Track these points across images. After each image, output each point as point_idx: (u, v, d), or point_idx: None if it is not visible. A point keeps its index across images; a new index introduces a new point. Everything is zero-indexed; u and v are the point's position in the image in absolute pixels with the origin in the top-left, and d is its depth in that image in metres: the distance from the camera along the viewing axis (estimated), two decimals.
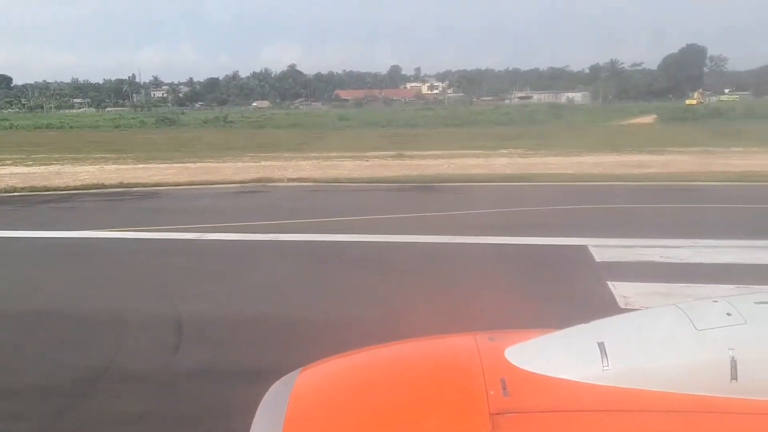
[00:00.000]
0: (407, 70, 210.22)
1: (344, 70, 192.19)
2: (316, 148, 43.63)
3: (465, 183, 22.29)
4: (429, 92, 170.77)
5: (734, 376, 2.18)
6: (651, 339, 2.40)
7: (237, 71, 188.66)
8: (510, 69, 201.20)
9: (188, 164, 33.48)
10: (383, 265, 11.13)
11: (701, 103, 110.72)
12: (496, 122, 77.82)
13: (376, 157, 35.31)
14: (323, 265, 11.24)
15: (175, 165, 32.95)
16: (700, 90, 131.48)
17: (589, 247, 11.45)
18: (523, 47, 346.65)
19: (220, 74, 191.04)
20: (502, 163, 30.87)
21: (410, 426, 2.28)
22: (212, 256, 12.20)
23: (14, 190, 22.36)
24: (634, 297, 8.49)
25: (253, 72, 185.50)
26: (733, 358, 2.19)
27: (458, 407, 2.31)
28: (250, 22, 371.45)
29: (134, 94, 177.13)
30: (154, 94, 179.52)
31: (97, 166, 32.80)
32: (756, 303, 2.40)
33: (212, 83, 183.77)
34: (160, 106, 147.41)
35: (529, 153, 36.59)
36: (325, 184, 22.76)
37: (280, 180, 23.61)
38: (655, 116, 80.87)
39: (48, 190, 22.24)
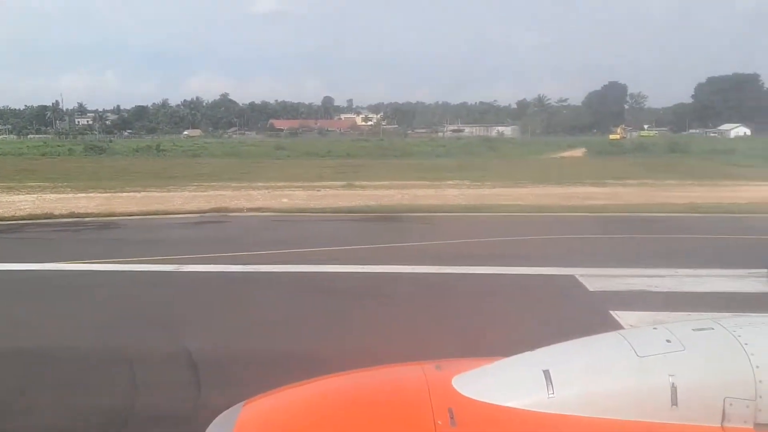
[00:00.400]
0: (339, 101, 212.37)
1: (276, 100, 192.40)
2: (260, 177, 43.30)
3: (427, 213, 22.49)
4: (364, 123, 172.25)
5: (674, 402, 2.23)
6: (594, 366, 2.43)
7: (166, 99, 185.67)
8: (440, 102, 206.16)
9: (132, 193, 32.57)
10: (389, 296, 11.05)
11: (624, 138, 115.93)
12: (434, 154, 79.36)
13: (326, 187, 35.29)
14: (327, 298, 11.04)
15: (120, 194, 31.97)
16: (623, 126, 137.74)
17: (577, 277, 11.73)
18: (452, 82, 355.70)
19: (148, 102, 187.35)
20: (453, 194, 31.35)
21: None
22: (201, 288, 11.82)
23: None
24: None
25: (184, 100, 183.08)
26: (673, 384, 2.24)
27: None
28: (177, 51, 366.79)
29: (58, 121, 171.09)
30: (78, 122, 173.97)
31: (34, 195, 31.46)
32: (693, 330, 2.45)
33: (140, 111, 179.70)
34: (87, 133, 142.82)
35: (476, 184, 37.27)
36: (287, 214, 22.52)
37: (239, 210, 23.21)
38: (584, 150, 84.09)
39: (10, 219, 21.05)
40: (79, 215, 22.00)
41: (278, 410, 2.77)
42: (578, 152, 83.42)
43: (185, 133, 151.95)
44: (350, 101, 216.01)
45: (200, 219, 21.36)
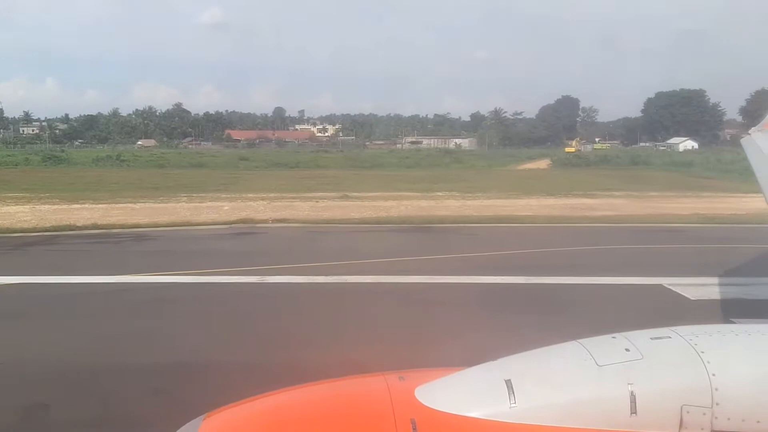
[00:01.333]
0: (291, 112, 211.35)
1: (227, 110, 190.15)
2: (245, 188, 42.95)
3: (451, 224, 22.76)
4: (321, 134, 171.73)
5: (634, 410, 2.29)
6: (555, 375, 2.46)
7: (117, 108, 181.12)
8: (392, 115, 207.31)
9: (128, 204, 31.85)
10: (510, 305, 11.17)
11: (579, 150, 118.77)
12: (403, 165, 79.89)
13: (322, 198, 35.23)
14: (427, 307, 11.13)
15: (116, 205, 31.23)
16: (578, 138, 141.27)
17: (666, 286, 12.10)
18: (403, 95, 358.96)
19: (94, 111, 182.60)
20: (455, 205, 31.76)
21: None
22: (308, 300, 11.75)
23: None
24: None
25: (136, 110, 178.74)
26: (632, 392, 2.31)
27: None
28: (124, 60, 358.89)
29: (2, 130, 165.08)
30: (23, 131, 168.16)
31: (26, 206, 30.39)
32: (651, 338, 2.50)
33: (90, 120, 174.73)
34: (36, 143, 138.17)
35: (468, 196, 37.73)
36: (315, 225, 22.45)
37: (264, 221, 23.01)
38: (549, 162, 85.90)
39: (14, 231, 20.32)
40: (104, 226, 21.42)
41: (239, 423, 2.74)
42: (543, 164, 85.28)
43: (139, 143, 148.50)
44: (302, 112, 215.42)
45: (234, 230, 21.14)
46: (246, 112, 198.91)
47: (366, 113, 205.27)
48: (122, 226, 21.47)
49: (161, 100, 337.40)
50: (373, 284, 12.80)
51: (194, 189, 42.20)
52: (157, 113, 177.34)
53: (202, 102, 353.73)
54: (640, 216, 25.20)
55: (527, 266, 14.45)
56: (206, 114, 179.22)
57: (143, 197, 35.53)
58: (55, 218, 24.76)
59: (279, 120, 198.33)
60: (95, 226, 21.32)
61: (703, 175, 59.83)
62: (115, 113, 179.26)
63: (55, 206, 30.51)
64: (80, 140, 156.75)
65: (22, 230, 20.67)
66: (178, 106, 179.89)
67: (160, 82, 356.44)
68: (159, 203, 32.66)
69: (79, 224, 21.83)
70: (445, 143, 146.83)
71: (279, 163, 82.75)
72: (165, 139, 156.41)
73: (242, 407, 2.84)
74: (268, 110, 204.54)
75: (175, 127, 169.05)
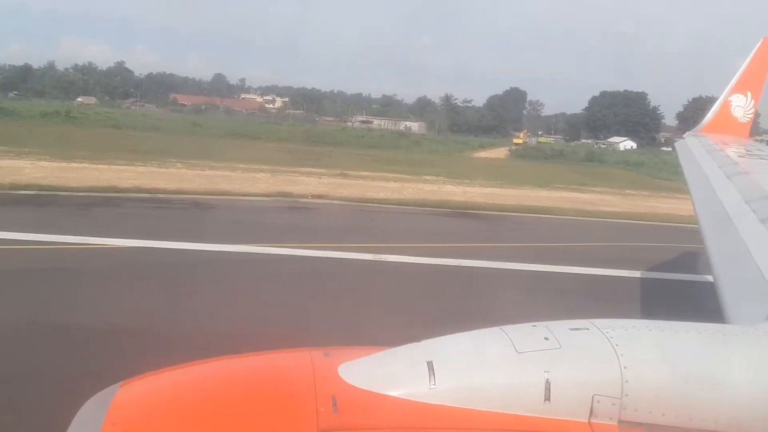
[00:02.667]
0: (231, 80, 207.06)
1: (164, 72, 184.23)
2: (230, 158, 41.88)
3: (487, 212, 23.47)
4: (271, 106, 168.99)
5: (547, 397, 2.38)
6: (475, 360, 2.52)
7: (53, 61, 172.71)
8: (335, 91, 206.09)
9: (131, 167, 31.12)
10: (646, 300, 11.82)
11: (525, 142, 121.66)
12: (364, 144, 79.72)
13: (319, 174, 35.25)
14: (568, 297, 11.76)
15: (119, 167, 30.42)
16: (525, 131, 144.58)
17: None
18: (345, 72, 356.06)
19: (20, 62, 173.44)
20: (459, 191, 32.49)
21: None
22: (441, 281, 12.25)
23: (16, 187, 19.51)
24: None
25: (75, 64, 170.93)
26: (547, 380, 2.39)
27: (286, 424, 2.35)
28: (54, 8, 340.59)
29: None
30: None
31: (26, 162, 29.27)
32: (570, 329, 2.61)
33: (25, 72, 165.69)
34: None
35: (459, 182, 38.51)
36: (360, 203, 22.71)
37: (304, 196, 23.09)
38: (506, 152, 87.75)
39: (56, 189, 19.73)
40: (147, 190, 21.07)
41: (155, 392, 2.71)
42: (499, 153, 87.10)
43: (79, 99, 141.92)
44: (242, 80, 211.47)
45: (283, 203, 21.23)
46: (183, 76, 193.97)
47: (309, 87, 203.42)
48: (164, 191, 21.16)
49: (92, 56, 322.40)
50: (491, 270, 13.43)
51: (177, 155, 41.16)
52: (98, 70, 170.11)
53: (137, 62, 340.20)
54: (657, 215, 26.48)
55: (623, 260, 15.33)
56: (150, 75, 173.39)
57: (136, 161, 34.53)
58: (73, 177, 24.10)
59: (223, 87, 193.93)
60: (138, 189, 20.96)
61: (658, 176, 62.52)
62: (51, 66, 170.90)
63: (56, 164, 29.49)
64: (15, 92, 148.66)
65: (66, 189, 20.09)
66: (120, 64, 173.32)
67: (93, 38, 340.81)
68: (161, 168, 32.05)
69: (121, 186, 21.38)
70: (395, 125, 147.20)
71: (237, 133, 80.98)
72: (106, 98, 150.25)
73: (160, 376, 2.81)
74: (207, 76, 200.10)
75: (116, 86, 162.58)
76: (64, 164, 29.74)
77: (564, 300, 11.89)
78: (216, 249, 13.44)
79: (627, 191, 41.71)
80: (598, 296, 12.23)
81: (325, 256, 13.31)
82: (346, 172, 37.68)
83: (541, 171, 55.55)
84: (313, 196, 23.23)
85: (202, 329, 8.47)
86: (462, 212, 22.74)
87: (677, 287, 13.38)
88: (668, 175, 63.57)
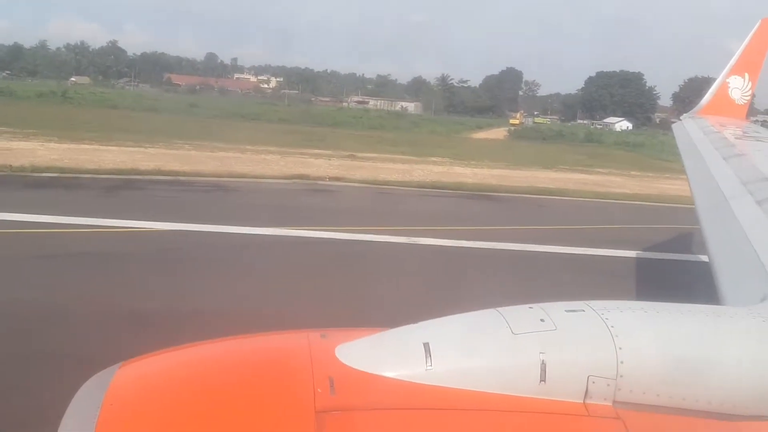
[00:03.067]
0: (222, 59, 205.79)
1: (155, 51, 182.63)
2: (234, 139, 41.70)
3: (507, 194, 23.60)
4: (266, 86, 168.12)
5: (543, 378, 2.40)
6: (472, 341, 2.54)
7: (44, 41, 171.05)
8: (329, 71, 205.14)
9: (141, 149, 31.06)
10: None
11: (522, 123, 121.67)
12: (365, 126, 79.47)
13: (330, 156, 35.23)
14: (618, 281, 11.86)
15: (129, 149, 30.34)
16: (521, 111, 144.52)
17: None
18: (338, 52, 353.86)
19: (8, 41, 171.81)
20: (469, 173, 32.54)
21: (232, 424, 2.31)
22: (487, 264, 12.43)
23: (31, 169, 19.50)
24: None
25: (67, 44, 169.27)
26: (543, 361, 2.41)
27: (284, 405, 2.36)
28: None
29: None
30: None
31: (36, 144, 29.13)
32: (566, 311, 2.62)
33: (16, 51, 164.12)
34: None
35: (466, 163, 38.59)
36: (378, 186, 22.81)
37: (321, 178, 23.16)
38: (506, 132, 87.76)
39: (76, 172, 19.72)
40: (167, 173, 21.08)
41: (153, 373, 2.73)
42: (498, 134, 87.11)
43: (72, 79, 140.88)
44: (234, 60, 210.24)
45: (302, 186, 21.34)
46: (175, 55, 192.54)
47: (302, 67, 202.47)
48: (183, 174, 21.17)
49: (81, 35, 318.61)
50: (528, 252, 13.57)
51: (182, 136, 40.93)
52: (90, 50, 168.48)
53: (127, 41, 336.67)
54: (668, 196, 26.63)
55: (647, 241, 15.51)
56: (144, 54, 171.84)
57: (144, 142, 34.34)
58: (88, 159, 24.04)
59: (218, 67, 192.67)
60: (158, 172, 20.96)
61: (659, 157, 62.64)
62: (42, 46, 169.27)
63: (66, 146, 29.37)
64: (7, 71, 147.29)
65: (87, 171, 20.08)
66: (113, 43, 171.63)
67: (81, 16, 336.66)
68: (171, 150, 31.97)
69: (142, 169, 21.37)
70: (391, 105, 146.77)
71: (235, 114, 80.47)
72: (100, 77, 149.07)
73: (159, 357, 2.81)
74: (199, 56, 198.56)
75: (110, 65, 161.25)
76: (74, 146, 29.63)
77: (620, 284, 12.05)
78: (257, 232, 13.61)
79: (632, 172, 41.88)
80: (648, 279, 12.43)
81: (362, 239, 13.45)
82: (355, 154, 37.61)
83: (543, 152, 55.65)
84: (331, 179, 23.28)
85: (286, 309, 8.61)
86: (478, 194, 22.88)
87: None
88: (669, 157, 64.01)
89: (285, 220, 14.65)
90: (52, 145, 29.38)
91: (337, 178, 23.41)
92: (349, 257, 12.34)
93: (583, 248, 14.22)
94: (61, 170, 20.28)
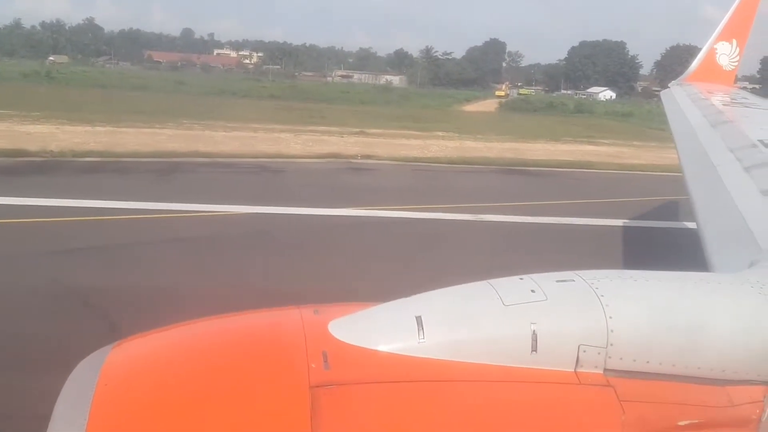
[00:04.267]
0: (199, 34, 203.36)
1: (132, 28, 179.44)
2: (240, 117, 41.50)
3: (540, 168, 23.91)
4: (248, 62, 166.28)
5: (534, 348, 2.42)
6: (463, 313, 2.56)
7: (19, 19, 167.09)
8: (308, 44, 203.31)
9: (157, 130, 30.86)
10: None
11: (508, 95, 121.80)
12: (355, 101, 78.86)
13: (341, 133, 35.23)
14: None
15: (145, 130, 30.16)
16: (507, 83, 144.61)
17: None
18: (313, 23, 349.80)
19: None
20: (483, 147, 32.69)
21: (227, 400, 2.31)
22: (567, 241, 12.79)
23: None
24: None
25: (43, 22, 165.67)
26: (534, 331, 2.43)
27: (278, 381, 2.36)
28: None
29: None
30: None
31: (52, 127, 28.83)
32: (557, 281, 2.64)
33: None
34: None
35: (474, 138, 38.70)
36: (411, 163, 23.05)
37: (353, 156, 23.30)
38: (496, 104, 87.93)
39: (109, 156, 19.68)
40: (205, 155, 21.13)
41: (147, 353, 2.73)
42: (489, 106, 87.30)
43: (51, 58, 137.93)
44: (211, 35, 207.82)
45: (339, 165, 21.49)
46: (149, 31, 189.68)
47: (280, 41, 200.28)
48: (220, 155, 21.23)
49: (51, 12, 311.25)
50: (596, 227, 13.91)
51: (186, 116, 40.51)
52: (67, 28, 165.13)
53: (99, 17, 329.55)
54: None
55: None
56: (122, 32, 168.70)
57: (154, 122, 34.03)
58: (112, 141, 23.93)
59: (198, 43, 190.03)
60: (196, 154, 20.98)
61: (652, 126, 63.26)
62: (17, 25, 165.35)
63: (81, 128, 29.10)
64: None
65: (119, 155, 20.04)
66: (90, 21, 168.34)
67: None
68: (183, 130, 31.80)
69: (179, 151, 21.36)
70: (375, 79, 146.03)
71: (224, 91, 79.55)
72: (79, 56, 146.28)
73: (151, 337, 2.80)
74: (173, 30, 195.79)
75: (88, 43, 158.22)
76: (88, 128, 29.39)
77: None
78: (328, 213, 13.85)
79: (634, 143, 42.36)
80: None
81: (431, 217, 13.74)
82: (364, 130, 37.59)
83: (540, 124, 56.04)
84: (362, 157, 23.43)
85: (423, 285, 8.85)
86: (507, 169, 23.18)
87: None
88: (662, 125, 64.51)
89: (350, 200, 14.94)
90: (67, 128, 29.09)
91: (368, 156, 23.56)
92: (429, 236, 12.62)
93: (653, 221, 14.57)
94: (101, 154, 20.21)
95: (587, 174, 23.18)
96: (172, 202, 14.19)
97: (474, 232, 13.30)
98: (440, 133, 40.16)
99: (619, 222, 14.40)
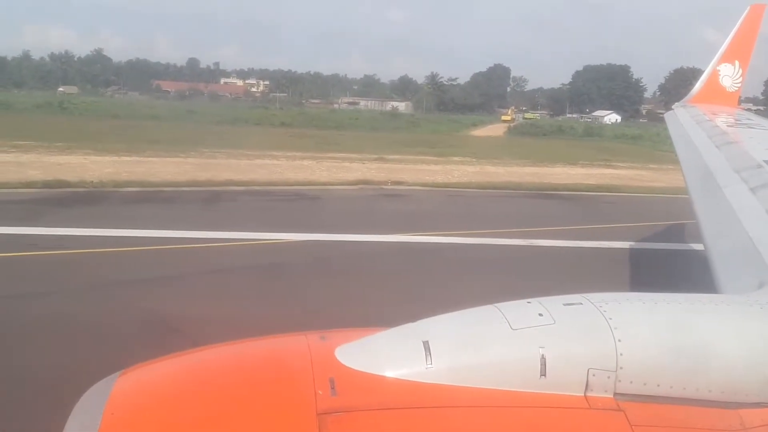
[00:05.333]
0: (204, 63, 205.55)
1: (138, 58, 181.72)
2: (258, 145, 41.88)
3: (569, 192, 24.11)
4: (255, 90, 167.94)
5: (543, 373, 2.39)
6: (471, 338, 2.53)
7: (27, 51, 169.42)
8: (312, 72, 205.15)
9: (182, 159, 31.14)
10: None
11: (514, 119, 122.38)
12: (367, 127, 79.48)
13: (361, 160, 35.49)
14: None
15: (172, 159, 30.45)
16: (512, 107, 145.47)
17: None
18: (316, 52, 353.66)
19: None
20: (504, 172, 32.93)
21: (234, 428, 2.30)
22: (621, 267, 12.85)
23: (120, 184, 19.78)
24: None
25: (52, 53, 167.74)
26: (542, 355, 2.40)
27: (285, 408, 2.35)
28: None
29: None
30: None
31: (81, 158, 29.26)
32: (564, 304, 2.61)
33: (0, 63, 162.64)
34: None
35: (491, 162, 38.98)
36: (440, 189, 23.28)
37: (383, 183, 23.58)
38: (505, 128, 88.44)
39: (151, 185, 20.04)
40: (240, 183, 21.44)
41: (153, 381, 2.71)
42: (497, 131, 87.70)
43: (60, 89, 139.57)
44: (216, 64, 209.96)
45: (373, 191, 21.74)
46: (155, 61, 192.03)
47: (284, 69, 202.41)
48: (255, 183, 21.54)
49: (57, 43, 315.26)
50: (656, 251, 14.01)
51: (205, 144, 40.83)
52: (75, 59, 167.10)
53: (104, 47, 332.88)
54: None
55: None
56: (130, 62, 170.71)
57: (176, 152, 34.32)
58: (143, 171, 24.25)
59: (204, 72, 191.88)
60: (231, 183, 21.28)
61: (662, 149, 63.36)
62: (26, 56, 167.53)
63: (108, 158, 29.45)
64: None
65: (154, 184, 20.37)
66: (99, 51, 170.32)
67: (54, 24, 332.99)
68: (207, 159, 32.12)
69: (216, 180, 21.72)
70: (381, 105, 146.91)
71: (237, 119, 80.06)
72: (88, 86, 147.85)
73: (158, 365, 2.80)
74: (179, 60, 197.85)
75: (96, 74, 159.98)
76: (115, 158, 29.74)
77: None
78: (382, 240, 14.08)
79: (650, 166, 42.46)
80: None
81: (483, 242, 13.96)
82: (383, 156, 37.87)
83: (552, 148, 56.14)
84: (392, 183, 23.71)
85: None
86: (537, 193, 23.43)
87: None
88: (671, 148, 64.65)
89: (396, 226, 15.14)
90: (93, 158, 29.44)
91: (398, 183, 23.83)
92: (489, 261, 12.76)
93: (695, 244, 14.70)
94: (140, 185, 20.53)
95: (618, 198, 23.39)
96: (227, 230, 14.49)
97: (536, 258, 13.45)
98: (457, 158, 40.43)
99: (676, 246, 14.54)
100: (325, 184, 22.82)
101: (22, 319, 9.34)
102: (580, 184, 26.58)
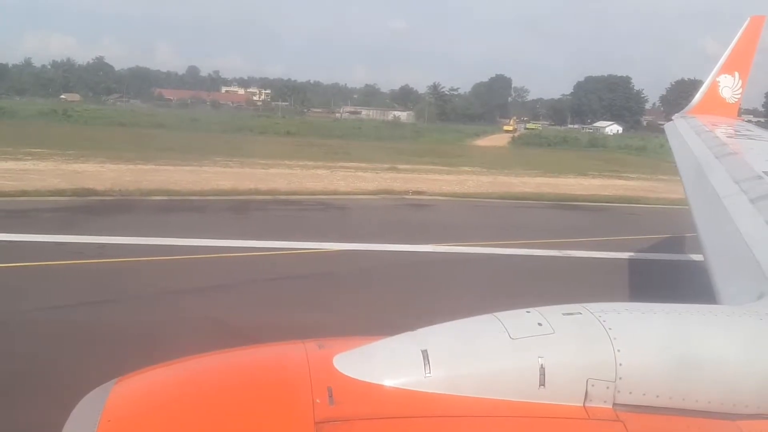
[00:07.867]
0: (203, 72, 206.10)
1: (138, 66, 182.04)
2: (271, 155, 41.83)
3: (590, 203, 24.25)
4: (257, 99, 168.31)
5: (542, 383, 2.38)
6: (470, 347, 2.52)
7: (29, 58, 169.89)
8: (312, 81, 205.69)
9: (202, 168, 31.15)
10: None
11: (516, 129, 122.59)
12: (372, 136, 79.55)
13: (374, 170, 35.59)
14: None
15: (188, 168, 30.51)
16: (515, 118, 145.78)
17: None
18: (317, 61, 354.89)
19: None
20: (516, 182, 33.03)
21: None
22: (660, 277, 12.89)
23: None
24: None
25: (53, 61, 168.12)
26: (542, 365, 2.39)
27: (282, 417, 2.34)
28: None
29: None
30: None
31: (97, 166, 29.29)
32: (563, 314, 2.60)
33: (1, 70, 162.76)
34: None
35: (501, 172, 39.15)
36: (461, 199, 23.36)
37: (404, 192, 23.67)
38: (509, 138, 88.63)
39: (174, 194, 20.10)
40: (264, 192, 21.56)
41: (151, 388, 2.71)
42: (500, 141, 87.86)
43: (63, 96, 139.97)
44: (216, 72, 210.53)
45: (395, 201, 21.84)
46: (154, 69, 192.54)
47: (285, 78, 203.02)
48: (278, 193, 21.62)
49: (57, 50, 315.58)
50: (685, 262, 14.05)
51: (217, 153, 40.80)
52: (77, 66, 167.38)
53: (104, 55, 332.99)
54: None
55: None
56: (131, 70, 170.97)
57: (191, 161, 34.27)
58: (163, 179, 24.27)
59: (206, 80, 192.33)
60: (255, 192, 21.36)
61: (668, 160, 63.36)
62: (28, 63, 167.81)
63: (123, 167, 29.49)
64: None
65: (192, 193, 20.41)
66: (100, 59, 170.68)
67: (54, 31, 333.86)
68: (223, 168, 32.22)
69: (240, 189, 21.76)
70: (383, 115, 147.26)
71: (242, 127, 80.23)
72: (90, 94, 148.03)
73: (155, 372, 2.80)
74: (179, 68, 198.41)
75: (98, 81, 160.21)
76: (130, 166, 29.79)
77: None
78: (420, 250, 14.17)
79: (660, 177, 42.51)
80: None
81: (518, 253, 14.02)
82: (395, 166, 37.97)
83: (560, 158, 56.32)
84: (413, 193, 23.81)
85: None
86: (557, 204, 23.53)
87: None
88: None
89: (428, 236, 15.26)
90: (109, 166, 29.50)
91: (418, 193, 23.92)
92: (525, 271, 12.81)
93: None
94: (166, 193, 20.58)
95: (640, 209, 23.50)
96: (268, 239, 14.56)
97: (574, 268, 13.54)
98: (467, 168, 40.55)
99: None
100: (345, 193, 22.92)
101: (110, 324, 9.66)
102: (598, 195, 26.67)
